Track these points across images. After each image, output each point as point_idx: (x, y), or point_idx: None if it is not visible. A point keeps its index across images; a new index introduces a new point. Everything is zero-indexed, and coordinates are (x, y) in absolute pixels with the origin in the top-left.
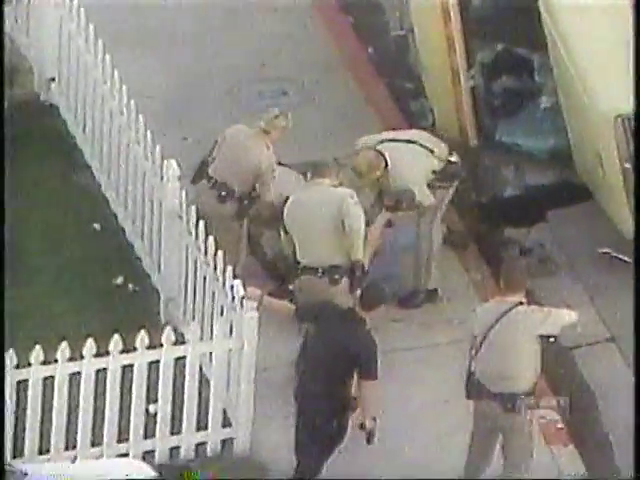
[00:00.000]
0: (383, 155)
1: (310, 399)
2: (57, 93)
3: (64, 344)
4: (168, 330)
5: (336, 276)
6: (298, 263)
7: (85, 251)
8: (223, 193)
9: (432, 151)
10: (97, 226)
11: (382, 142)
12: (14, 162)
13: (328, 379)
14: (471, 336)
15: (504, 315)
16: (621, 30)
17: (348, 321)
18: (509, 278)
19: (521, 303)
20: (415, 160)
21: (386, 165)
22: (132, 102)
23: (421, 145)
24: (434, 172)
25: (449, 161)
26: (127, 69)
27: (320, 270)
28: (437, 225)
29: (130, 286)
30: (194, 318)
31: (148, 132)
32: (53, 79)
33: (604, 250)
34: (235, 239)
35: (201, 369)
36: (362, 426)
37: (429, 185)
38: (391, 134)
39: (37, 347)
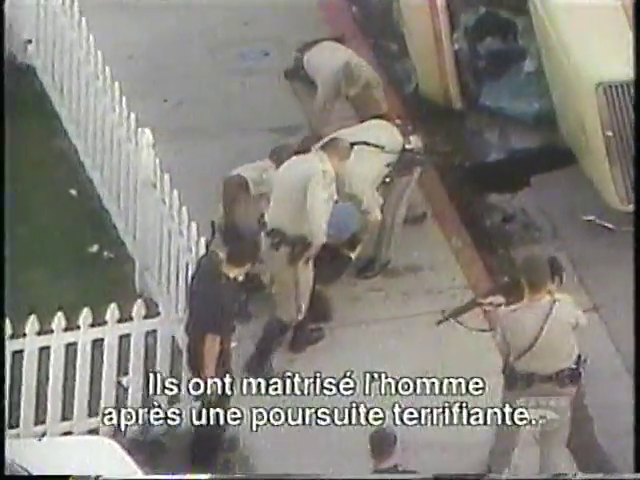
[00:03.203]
0: None
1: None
2: (34, 55)
3: (32, 317)
4: (139, 303)
5: (276, 239)
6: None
7: (61, 217)
8: None
9: (383, 147)
10: (74, 192)
11: None
12: None
13: (194, 330)
14: (501, 342)
15: (548, 318)
16: None
17: (208, 275)
18: (533, 278)
19: (554, 299)
20: (364, 167)
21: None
22: (107, 68)
23: (370, 144)
24: (388, 165)
25: (404, 149)
26: (108, 30)
27: (274, 233)
28: (402, 206)
29: (105, 254)
30: (168, 288)
31: (124, 98)
32: (30, 41)
33: (588, 217)
34: None
35: (174, 340)
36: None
37: (386, 177)
38: (345, 132)
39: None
